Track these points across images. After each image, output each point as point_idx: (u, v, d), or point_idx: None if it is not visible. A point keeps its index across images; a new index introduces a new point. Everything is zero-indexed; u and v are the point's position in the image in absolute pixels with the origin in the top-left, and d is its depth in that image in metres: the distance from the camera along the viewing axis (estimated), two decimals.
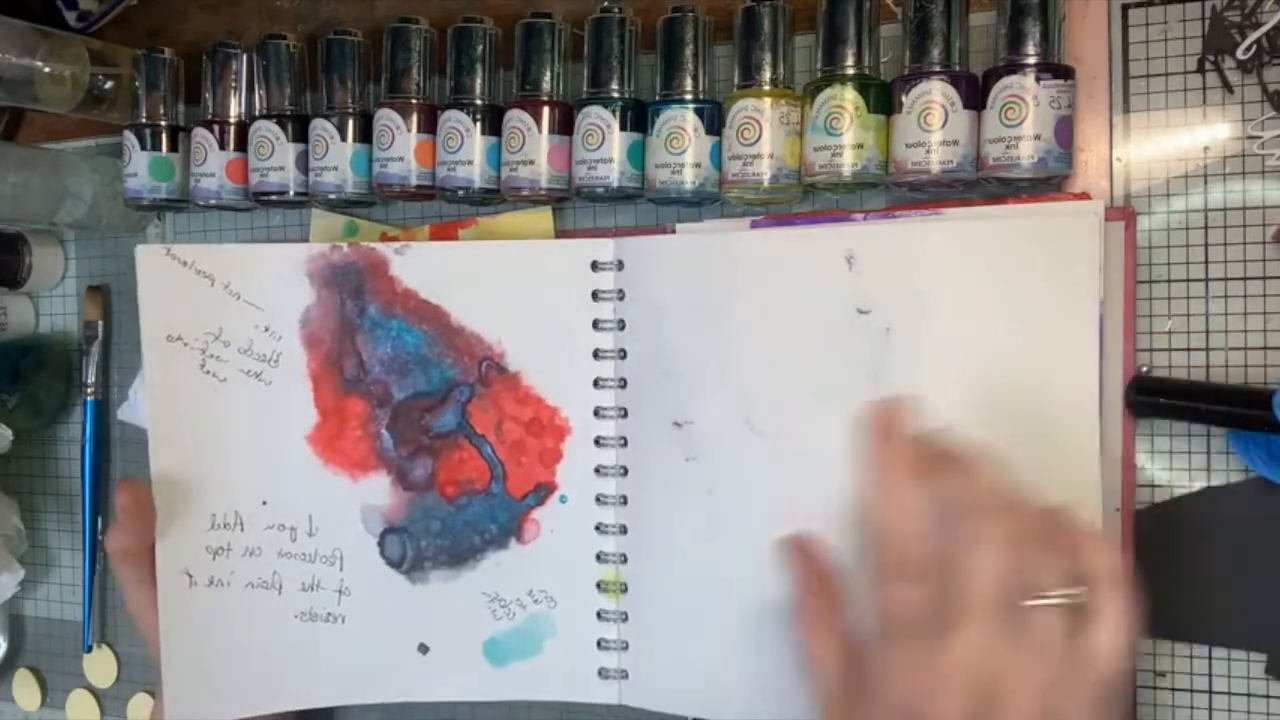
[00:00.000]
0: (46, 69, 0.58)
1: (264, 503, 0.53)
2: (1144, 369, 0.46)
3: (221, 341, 0.52)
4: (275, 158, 0.56)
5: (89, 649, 0.67)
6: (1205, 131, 0.45)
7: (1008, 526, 0.36)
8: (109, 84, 0.61)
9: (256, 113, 0.58)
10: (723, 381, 0.50)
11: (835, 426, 0.47)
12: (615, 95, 0.50)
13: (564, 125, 0.51)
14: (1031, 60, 0.44)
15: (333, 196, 0.55)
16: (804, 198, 0.50)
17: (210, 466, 0.53)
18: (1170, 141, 0.45)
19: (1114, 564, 0.36)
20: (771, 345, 0.49)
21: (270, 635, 0.53)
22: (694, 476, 0.50)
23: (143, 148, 0.59)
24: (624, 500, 0.52)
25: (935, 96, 0.45)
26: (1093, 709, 0.35)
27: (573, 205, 0.55)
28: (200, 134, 0.58)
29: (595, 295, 0.52)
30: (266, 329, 0.52)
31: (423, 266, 0.52)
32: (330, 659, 0.53)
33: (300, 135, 0.56)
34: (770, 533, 0.49)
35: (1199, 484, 0.45)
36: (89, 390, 0.66)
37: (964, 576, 0.36)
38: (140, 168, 0.59)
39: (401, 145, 0.53)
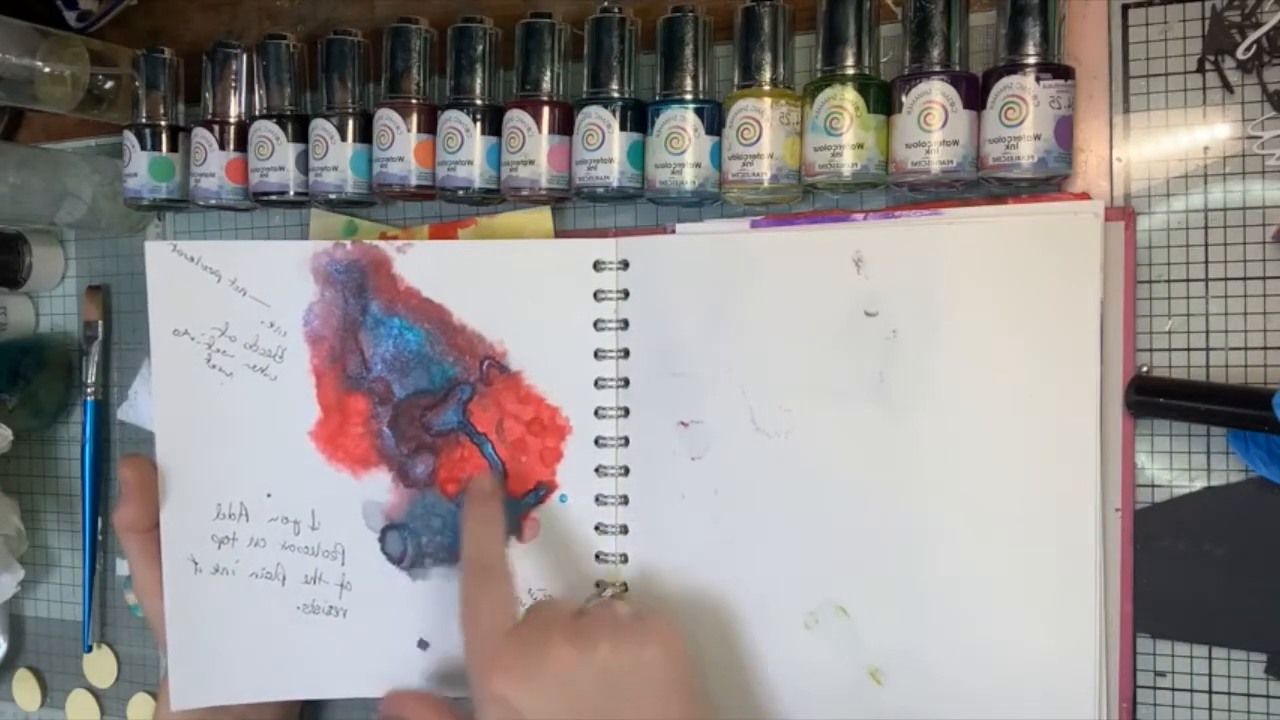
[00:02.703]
0: (46, 69, 0.58)
1: (268, 495, 0.53)
2: (1144, 369, 0.46)
3: (227, 336, 0.52)
4: (275, 158, 0.56)
5: (89, 649, 0.67)
6: (1205, 131, 0.45)
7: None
8: (109, 84, 0.61)
9: (256, 113, 0.58)
10: (731, 382, 0.50)
11: (843, 427, 0.48)
12: (615, 95, 0.50)
13: (564, 125, 0.51)
14: (1031, 60, 0.44)
15: (333, 196, 0.55)
16: (804, 198, 0.50)
17: (216, 459, 0.53)
18: (1170, 141, 0.45)
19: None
20: (779, 345, 0.49)
21: (273, 625, 0.53)
22: (700, 476, 0.50)
23: (143, 148, 0.59)
24: (625, 500, 0.52)
25: (935, 96, 0.45)
26: (665, 650, 0.45)
27: (573, 205, 0.55)
28: (200, 134, 0.58)
29: (597, 295, 0.52)
30: (271, 324, 0.53)
31: (425, 265, 0.53)
32: (331, 652, 0.53)
33: (300, 135, 0.56)
34: (775, 533, 0.49)
35: (1199, 484, 0.45)
36: (89, 390, 0.66)
37: None
38: (140, 168, 0.59)
39: (401, 145, 0.53)
